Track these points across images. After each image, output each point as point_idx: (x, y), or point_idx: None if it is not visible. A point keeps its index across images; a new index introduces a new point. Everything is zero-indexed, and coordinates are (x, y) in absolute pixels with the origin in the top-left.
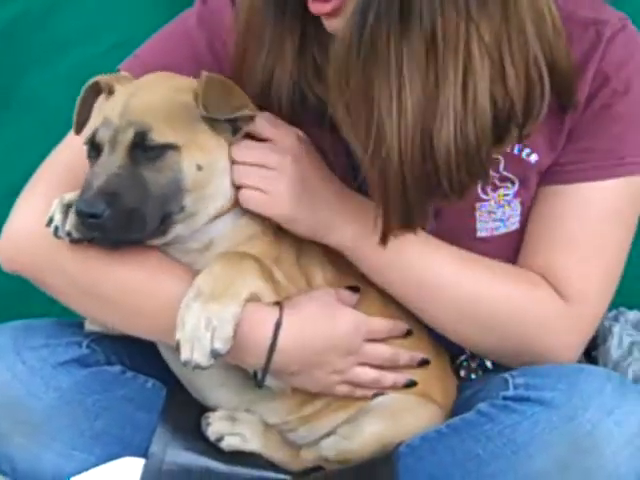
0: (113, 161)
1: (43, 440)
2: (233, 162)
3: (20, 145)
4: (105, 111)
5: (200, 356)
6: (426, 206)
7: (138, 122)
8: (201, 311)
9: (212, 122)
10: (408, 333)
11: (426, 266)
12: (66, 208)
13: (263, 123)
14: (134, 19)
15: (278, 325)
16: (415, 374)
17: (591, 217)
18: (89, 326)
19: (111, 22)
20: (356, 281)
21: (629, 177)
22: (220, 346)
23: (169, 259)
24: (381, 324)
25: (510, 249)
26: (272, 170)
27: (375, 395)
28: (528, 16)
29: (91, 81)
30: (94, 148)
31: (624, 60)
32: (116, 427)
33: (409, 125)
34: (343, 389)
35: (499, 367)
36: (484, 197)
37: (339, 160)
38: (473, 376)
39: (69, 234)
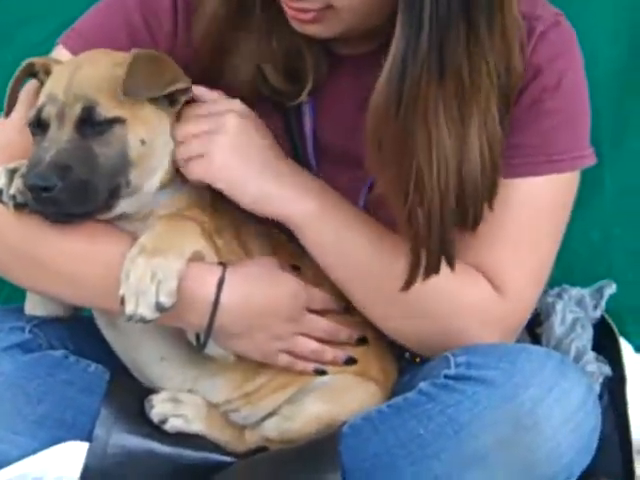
0: (62, 135)
1: None
2: (177, 142)
3: None
4: (48, 88)
5: (145, 309)
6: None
7: (85, 97)
8: (146, 265)
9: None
10: (346, 309)
11: (361, 253)
12: (10, 174)
13: (202, 90)
14: (76, 4)
15: (221, 282)
16: (355, 353)
17: (523, 212)
18: (29, 310)
19: (54, 6)
20: (294, 259)
21: (559, 174)
22: (165, 299)
23: (107, 224)
24: (320, 295)
25: None
26: (210, 134)
27: (316, 370)
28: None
29: (26, 62)
30: (40, 125)
31: (555, 55)
32: (59, 411)
33: (449, 170)
34: (284, 358)
35: None
36: None
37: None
38: (418, 359)
39: (14, 198)
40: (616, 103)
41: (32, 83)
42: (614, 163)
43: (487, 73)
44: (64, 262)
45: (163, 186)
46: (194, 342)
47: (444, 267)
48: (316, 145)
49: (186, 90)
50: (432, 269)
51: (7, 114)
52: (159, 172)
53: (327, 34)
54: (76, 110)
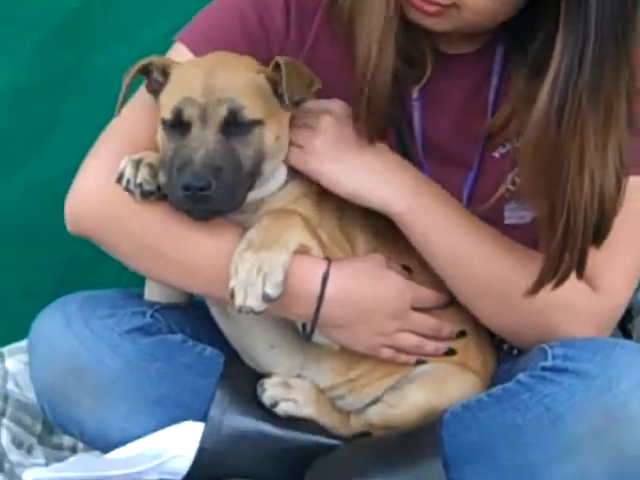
0: (208, 136)
1: (109, 404)
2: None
3: (82, 124)
4: (183, 91)
5: (253, 300)
6: None
7: (230, 100)
8: (253, 259)
9: (280, 96)
10: (450, 304)
11: (465, 246)
12: (136, 164)
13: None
14: (190, 4)
15: (325, 277)
16: (455, 345)
17: (622, 211)
18: (148, 296)
19: (168, 8)
20: (399, 255)
21: None
22: (271, 291)
23: (222, 218)
24: (427, 293)
25: (536, 236)
26: (312, 128)
27: (417, 362)
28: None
29: (144, 62)
30: (179, 125)
31: None
32: (177, 392)
33: (595, 184)
34: (387, 352)
35: None
36: (512, 188)
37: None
38: (515, 351)
39: (140, 186)
40: None
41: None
42: None
43: (624, 89)
44: (181, 252)
45: (283, 177)
46: (301, 331)
47: None
48: (424, 143)
49: (317, 90)
50: (564, 278)
51: (119, 111)
52: (284, 165)
53: (442, 28)
54: (221, 112)
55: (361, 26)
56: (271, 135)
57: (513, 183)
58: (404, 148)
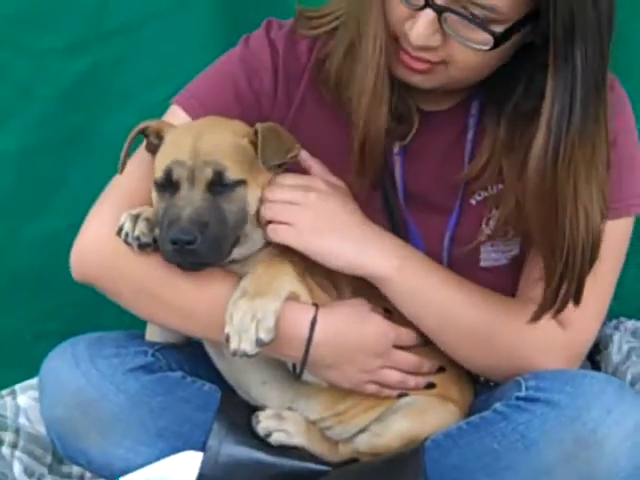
0: (195, 195)
1: (114, 437)
2: (265, 200)
3: (92, 185)
4: (173, 154)
5: (247, 345)
6: None
7: (214, 162)
8: (247, 306)
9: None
10: (428, 342)
11: (453, 299)
12: (134, 218)
13: (294, 176)
14: (195, 68)
15: (314, 321)
16: (435, 378)
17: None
18: (149, 337)
19: (170, 73)
20: (380, 296)
21: (616, 220)
22: (264, 336)
23: (217, 268)
24: (407, 334)
25: (509, 277)
26: (298, 205)
27: (399, 395)
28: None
29: (141, 126)
30: (169, 184)
31: (611, 116)
32: (177, 425)
33: (590, 220)
34: (371, 388)
35: None
36: (487, 231)
37: (376, 209)
38: (492, 383)
39: (138, 239)
40: None
41: (140, 147)
42: None
43: (604, 130)
44: (179, 299)
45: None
46: (291, 371)
47: (522, 315)
48: (405, 193)
49: (295, 156)
50: (563, 307)
51: (122, 170)
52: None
53: (429, 85)
54: (207, 173)
55: (352, 89)
56: (254, 194)
57: (487, 226)
58: (387, 199)
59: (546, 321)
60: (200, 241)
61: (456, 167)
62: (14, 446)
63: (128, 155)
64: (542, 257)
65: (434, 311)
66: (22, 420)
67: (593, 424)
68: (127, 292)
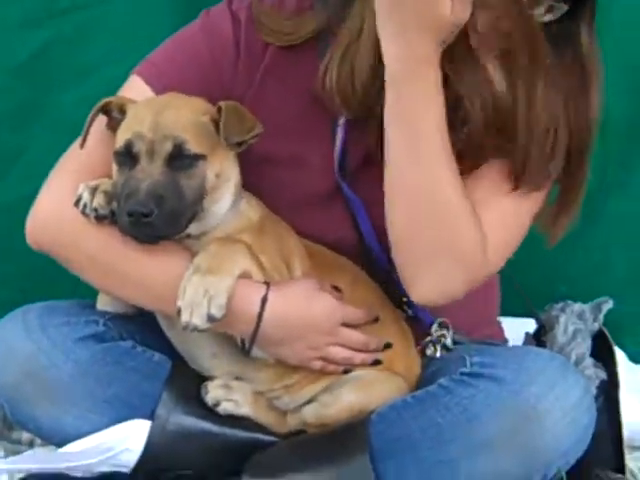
0: (153, 168)
1: (63, 405)
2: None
3: (49, 157)
4: (133, 127)
5: (198, 319)
6: None
7: (174, 136)
8: (199, 282)
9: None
10: (376, 320)
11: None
12: (92, 190)
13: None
14: (152, 43)
15: (264, 299)
16: (383, 354)
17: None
18: (101, 306)
19: (131, 46)
20: (331, 275)
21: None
22: (215, 312)
23: (173, 243)
24: (355, 312)
25: None
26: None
27: (345, 371)
28: None
29: (103, 101)
30: (129, 157)
31: None
32: (126, 394)
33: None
34: (318, 364)
35: (458, 346)
36: None
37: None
38: (438, 354)
39: (95, 210)
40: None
41: (100, 119)
42: (618, 193)
43: None
44: (133, 270)
45: (223, 214)
46: (240, 346)
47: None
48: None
49: (257, 135)
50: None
51: (82, 145)
52: (224, 200)
53: None
54: (167, 147)
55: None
56: (213, 171)
57: None
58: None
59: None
60: (157, 214)
61: None
62: None
63: (89, 133)
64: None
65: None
66: None
67: (535, 399)
68: (82, 261)
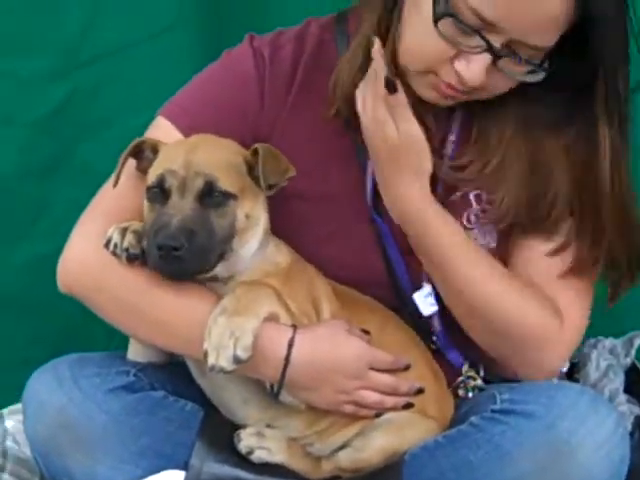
0: (185, 204)
1: (97, 456)
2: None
3: (72, 206)
4: (165, 164)
5: (224, 361)
6: None
7: (206, 173)
8: (226, 324)
9: (256, 179)
10: (406, 368)
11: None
12: (123, 231)
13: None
14: (173, 91)
15: (291, 342)
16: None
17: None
18: (131, 356)
19: (149, 97)
20: (359, 316)
21: None
22: (241, 353)
23: (200, 286)
24: (383, 356)
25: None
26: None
27: (377, 415)
28: None
29: (137, 140)
30: (161, 192)
31: None
32: (159, 444)
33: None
34: (349, 408)
35: (489, 385)
36: (468, 226)
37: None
38: (470, 394)
39: (126, 250)
40: None
41: (130, 163)
42: None
43: None
44: (160, 313)
45: (252, 253)
46: (269, 391)
47: (534, 299)
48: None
49: (290, 178)
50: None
51: (115, 184)
52: (253, 241)
53: (448, 104)
54: (198, 183)
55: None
56: (243, 211)
57: (469, 222)
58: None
59: (551, 311)
60: (187, 248)
61: (436, 166)
62: (2, 469)
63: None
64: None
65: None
66: (9, 443)
67: (567, 434)
68: (110, 304)
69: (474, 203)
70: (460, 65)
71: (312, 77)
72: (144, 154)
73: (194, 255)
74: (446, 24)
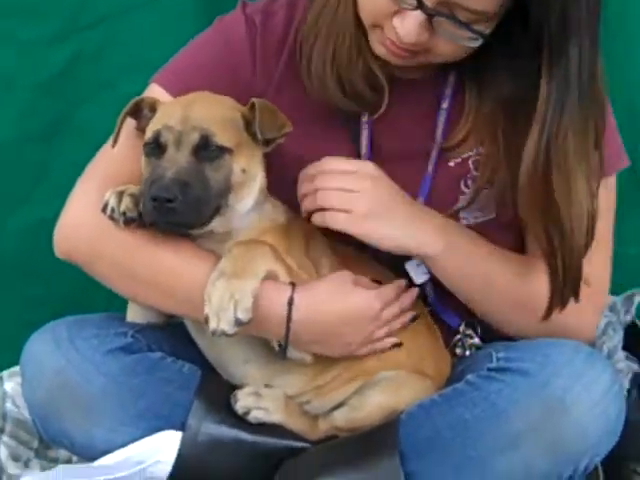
0: (180, 157)
1: (95, 418)
2: (317, 189)
3: (73, 169)
4: (163, 120)
5: (225, 324)
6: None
7: (202, 127)
8: (225, 287)
9: (253, 134)
10: (414, 318)
11: (489, 274)
12: (119, 195)
13: (340, 159)
14: (171, 54)
15: (290, 302)
16: (411, 354)
17: None
18: (130, 318)
19: (151, 59)
20: (359, 274)
21: (609, 177)
22: (242, 315)
23: (197, 247)
24: (390, 291)
25: (491, 235)
26: (354, 193)
27: (393, 345)
28: None
29: (136, 99)
30: (157, 147)
31: None
32: (157, 405)
33: (583, 209)
34: (364, 350)
35: (487, 344)
36: (465, 190)
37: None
38: (467, 352)
39: (124, 214)
40: None
41: (129, 123)
42: None
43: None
44: (159, 276)
45: (249, 210)
46: (277, 349)
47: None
48: (372, 148)
49: (287, 134)
50: (567, 302)
51: (114, 144)
52: (249, 197)
53: (406, 64)
54: (194, 137)
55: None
56: (239, 165)
57: (467, 186)
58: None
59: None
60: (180, 200)
61: (429, 135)
62: (1, 431)
63: (121, 131)
64: (542, 252)
65: (479, 283)
66: (9, 405)
67: (561, 391)
68: (109, 270)
69: (472, 169)
70: (397, 21)
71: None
72: (143, 113)
73: (188, 207)
74: None
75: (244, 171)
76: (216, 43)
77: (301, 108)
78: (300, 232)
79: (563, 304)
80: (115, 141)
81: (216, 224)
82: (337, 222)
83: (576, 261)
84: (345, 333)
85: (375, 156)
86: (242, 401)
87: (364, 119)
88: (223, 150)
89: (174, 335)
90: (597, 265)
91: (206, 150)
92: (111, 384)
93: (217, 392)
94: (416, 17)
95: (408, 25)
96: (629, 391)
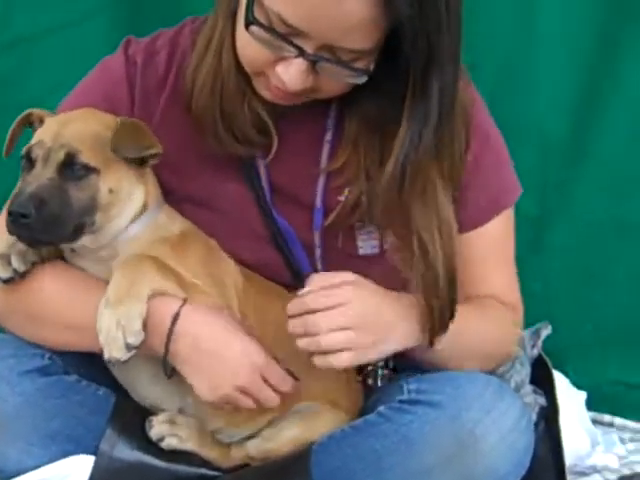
0: (44, 174)
1: (9, 438)
2: (290, 316)
3: None
4: (39, 135)
5: (117, 352)
6: None
7: (69, 145)
8: (111, 315)
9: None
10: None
11: (467, 338)
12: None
13: (316, 278)
14: None
15: (177, 315)
16: (325, 386)
17: (498, 243)
18: None
19: (66, 85)
20: (266, 298)
21: (502, 213)
22: (132, 340)
23: (87, 278)
24: (277, 373)
25: (383, 267)
26: (338, 307)
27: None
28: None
29: (25, 112)
30: (29, 162)
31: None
32: (70, 428)
33: (450, 238)
34: (227, 405)
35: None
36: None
37: (251, 210)
38: (380, 383)
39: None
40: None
41: None
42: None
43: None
44: (55, 314)
45: (122, 231)
46: (163, 369)
47: (497, 319)
48: (271, 191)
49: (157, 155)
50: (443, 328)
51: (6, 154)
52: (121, 217)
53: (290, 103)
54: (60, 155)
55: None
56: (106, 185)
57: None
58: (258, 199)
59: (504, 310)
60: (35, 217)
61: (316, 166)
62: None
63: (13, 142)
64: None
65: (457, 347)
66: None
67: (472, 424)
68: (17, 328)
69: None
70: (280, 69)
71: (181, 85)
72: (34, 126)
73: (43, 224)
74: (259, 30)
75: (111, 191)
76: (98, 82)
77: (189, 148)
78: (198, 244)
79: (439, 331)
80: (7, 151)
81: (87, 241)
82: (344, 362)
83: (447, 289)
84: (216, 374)
85: (276, 196)
86: (157, 428)
87: (260, 161)
88: (89, 169)
89: (90, 359)
90: (508, 284)
91: (71, 169)
92: (26, 404)
93: (131, 418)
94: (299, 65)
95: (292, 73)
96: (536, 424)
